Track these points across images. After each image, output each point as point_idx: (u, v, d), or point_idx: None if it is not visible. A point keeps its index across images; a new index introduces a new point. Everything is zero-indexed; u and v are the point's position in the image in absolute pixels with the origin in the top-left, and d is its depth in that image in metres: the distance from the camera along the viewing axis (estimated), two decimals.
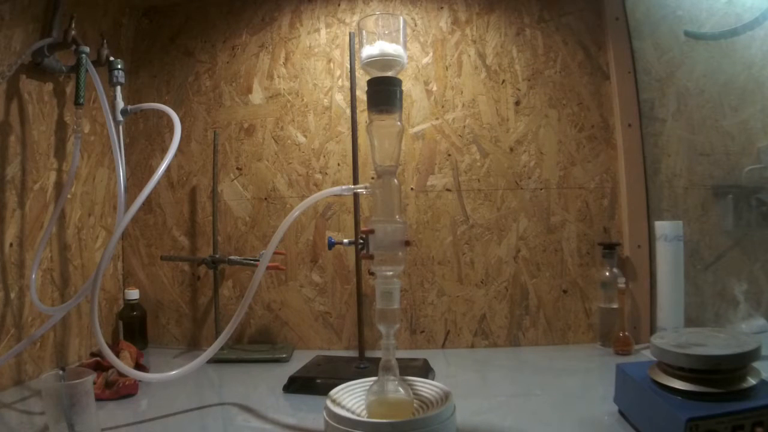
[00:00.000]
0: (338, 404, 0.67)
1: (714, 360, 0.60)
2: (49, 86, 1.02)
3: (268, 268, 0.86)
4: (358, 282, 1.03)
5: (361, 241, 0.69)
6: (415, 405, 0.68)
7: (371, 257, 0.68)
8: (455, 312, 1.16)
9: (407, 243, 0.69)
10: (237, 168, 1.22)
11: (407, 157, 1.18)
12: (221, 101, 1.23)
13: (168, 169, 1.18)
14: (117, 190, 1.03)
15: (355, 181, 1.02)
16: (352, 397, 0.70)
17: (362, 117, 1.09)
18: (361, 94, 1.05)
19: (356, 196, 1.04)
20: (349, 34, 1.07)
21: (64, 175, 1.04)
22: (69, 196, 1.06)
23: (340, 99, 1.20)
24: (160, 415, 0.78)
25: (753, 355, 0.61)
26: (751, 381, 0.60)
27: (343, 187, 0.76)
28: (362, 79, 0.75)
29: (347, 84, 1.18)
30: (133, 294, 1.18)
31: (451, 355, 1.10)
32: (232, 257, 1.10)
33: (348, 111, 1.17)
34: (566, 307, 1.15)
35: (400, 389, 0.66)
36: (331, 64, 1.21)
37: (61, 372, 0.66)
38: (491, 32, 1.19)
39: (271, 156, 1.21)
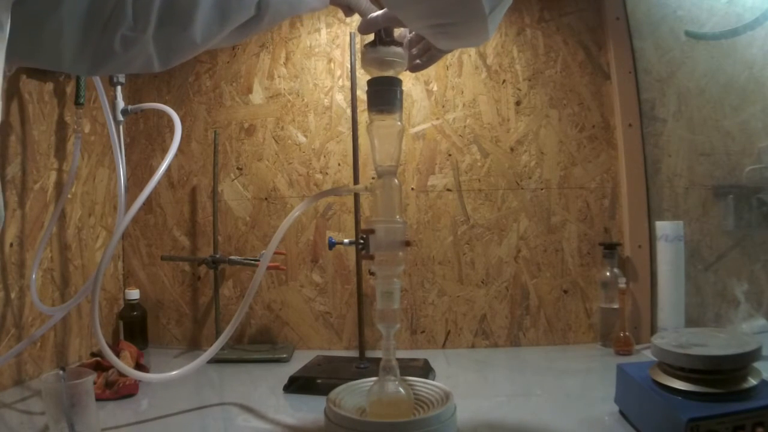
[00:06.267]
0: (338, 404, 0.67)
1: (715, 360, 0.60)
2: (49, 86, 1.01)
3: (268, 268, 0.86)
4: (358, 282, 1.03)
5: (362, 241, 0.69)
6: (415, 405, 0.68)
7: (371, 257, 0.68)
8: (456, 312, 1.16)
9: (407, 243, 0.68)
10: (237, 168, 1.22)
11: (408, 157, 1.17)
12: (222, 101, 1.23)
13: (168, 169, 1.17)
14: (117, 190, 1.03)
15: (356, 181, 1.02)
16: (352, 397, 0.70)
17: (363, 117, 1.09)
18: (362, 94, 1.04)
19: (356, 196, 1.04)
20: (350, 34, 1.07)
21: (65, 175, 1.04)
22: (69, 196, 1.06)
23: (341, 99, 1.19)
24: (160, 415, 0.78)
25: (754, 355, 0.61)
26: (752, 381, 0.60)
27: (343, 187, 0.76)
28: (363, 79, 0.75)
29: (348, 84, 1.18)
30: (134, 294, 1.18)
31: (452, 355, 1.10)
32: (232, 257, 1.10)
33: (348, 111, 1.17)
34: (567, 307, 1.15)
35: (401, 389, 0.66)
36: (332, 64, 1.20)
37: (61, 372, 0.66)
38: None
39: (272, 156, 1.21)
